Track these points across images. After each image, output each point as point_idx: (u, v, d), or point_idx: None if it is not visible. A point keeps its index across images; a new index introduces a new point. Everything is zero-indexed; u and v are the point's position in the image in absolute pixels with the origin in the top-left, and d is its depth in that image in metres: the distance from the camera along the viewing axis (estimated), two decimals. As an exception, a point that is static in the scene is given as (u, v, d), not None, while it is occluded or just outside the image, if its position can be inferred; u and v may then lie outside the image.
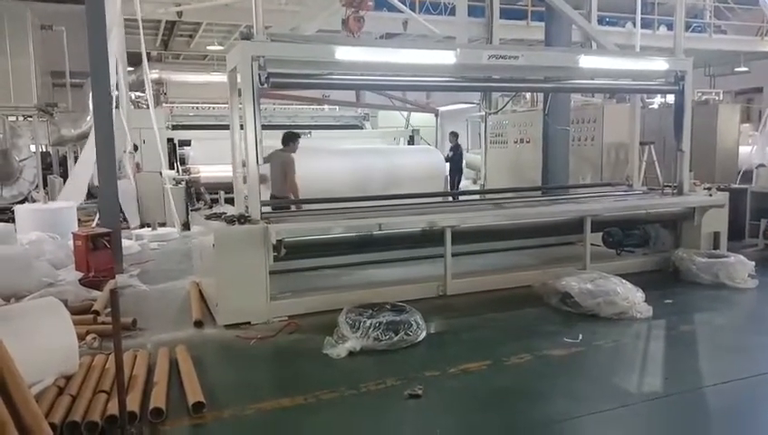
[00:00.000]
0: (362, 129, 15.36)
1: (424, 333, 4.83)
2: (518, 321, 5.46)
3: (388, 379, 4.10)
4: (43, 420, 3.17)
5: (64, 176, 16.40)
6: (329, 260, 6.81)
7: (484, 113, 11.21)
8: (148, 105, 14.08)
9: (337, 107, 17.08)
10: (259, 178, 7.32)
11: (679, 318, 5.48)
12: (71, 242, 7.30)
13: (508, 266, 6.98)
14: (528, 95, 13.65)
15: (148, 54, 18.32)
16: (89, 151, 9.37)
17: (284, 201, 7.89)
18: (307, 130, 14.15)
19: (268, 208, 6.50)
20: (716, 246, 7.34)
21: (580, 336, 4.89)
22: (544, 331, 5.13)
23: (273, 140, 12.10)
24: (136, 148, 11.55)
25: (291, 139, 8.21)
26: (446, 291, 6.18)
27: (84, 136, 13.31)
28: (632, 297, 5.43)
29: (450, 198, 10.32)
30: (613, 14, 15.65)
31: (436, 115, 10.14)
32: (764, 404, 3.83)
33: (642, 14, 14.97)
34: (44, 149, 15.22)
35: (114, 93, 9.35)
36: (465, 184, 17.75)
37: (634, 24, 14.91)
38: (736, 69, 19.19)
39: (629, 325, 5.23)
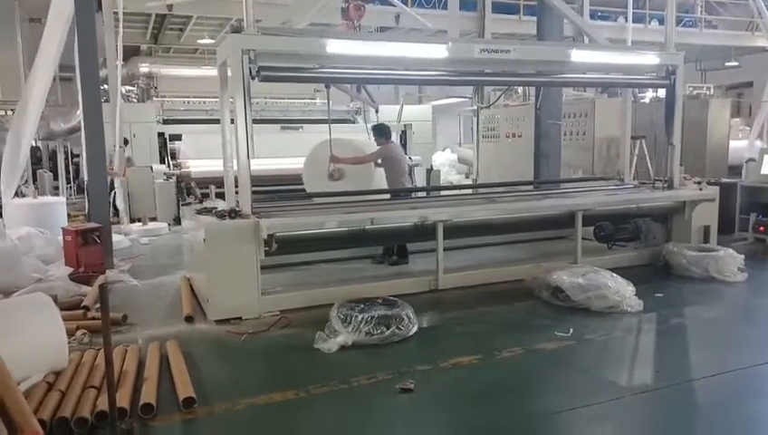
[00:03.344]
0: (355, 123, 15.30)
1: (415, 328, 4.83)
2: (509, 315, 5.47)
3: (380, 373, 4.10)
4: (32, 417, 3.15)
5: (54, 171, 16.30)
6: (321, 255, 6.80)
7: (476, 108, 11.21)
8: (138, 99, 14.02)
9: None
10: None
11: (670, 312, 5.50)
12: (60, 237, 7.25)
13: (500, 261, 6.99)
14: (520, 90, 13.65)
15: (138, 48, 18.28)
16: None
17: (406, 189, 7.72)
18: (299, 125, 14.08)
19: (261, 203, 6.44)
20: (707, 240, 7.39)
21: (571, 330, 4.90)
22: (536, 325, 5.15)
23: (267, 134, 12.11)
24: (126, 142, 11.46)
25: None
26: (437, 285, 6.19)
27: (74, 130, 13.20)
28: (623, 291, 5.45)
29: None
30: (605, 9, 15.64)
31: (377, 111, 10.04)
32: (753, 397, 3.85)
33: (634, 8, 14.96)
34: (34, 144, 15.10)
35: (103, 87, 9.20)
36: (457, 178, 17.76)
37: (626, 19, 14.92)
38: (727, 63, 19.26)
39: (620, 319, 5.24)
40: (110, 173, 9.27)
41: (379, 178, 7.74)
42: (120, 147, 10.25)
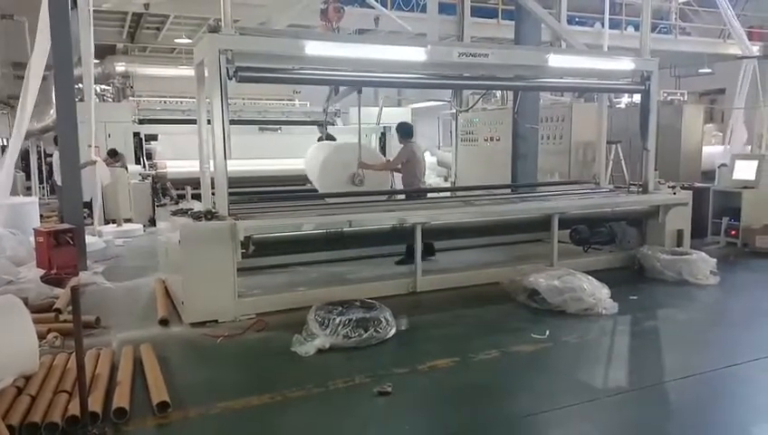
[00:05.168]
0: (333, 125, 15.27)
1: (393, 330, 4.83)
2: (486, 317, 5.50)
3: (357, 376, 4.09)
4: (0, 422, 3.08)
5: (27, 170, 16.00)
6: (298, 257, 6.76)
7: (454, 111, 11.23)
8: (113, 99, 13.83)
9: (308, 102, 16.97)
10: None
11: (643, 314, 5.59)
12: (32, 238, 7.11)
13: (477, 263, 7.03)
14: (498, 93, 13.75)
15: (113, 47, 18.02)
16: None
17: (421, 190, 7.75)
18: (277, 126, 14.01)
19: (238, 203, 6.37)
20: (680, 244, 7.51)
21: (547, 332, 4.95)
22: (512, 327, 5.18)
23: (245, 135, 12.02)
24: (116, 153, 11.41)
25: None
26: (416, 288, 6.20)
27: (48, 129, 12.96)
28: (598, 294, 5.51)
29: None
30: (582, 14, 15.82)
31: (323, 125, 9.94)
32: (725, 398, 3.91)
33: (610, 14, 15.17)
34: (5, 143, 14.79)
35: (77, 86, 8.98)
36: (436, 181, 17.78)
37: (602, 25, 15.12)
38: (700, 70, 19.59)
39: (595, 321, 5.30)
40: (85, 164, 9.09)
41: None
42: (91, 146, 10.05)
